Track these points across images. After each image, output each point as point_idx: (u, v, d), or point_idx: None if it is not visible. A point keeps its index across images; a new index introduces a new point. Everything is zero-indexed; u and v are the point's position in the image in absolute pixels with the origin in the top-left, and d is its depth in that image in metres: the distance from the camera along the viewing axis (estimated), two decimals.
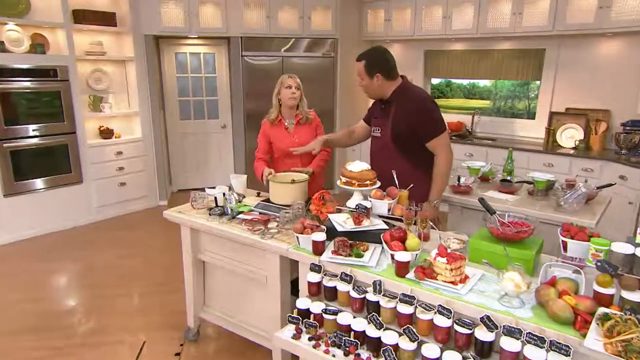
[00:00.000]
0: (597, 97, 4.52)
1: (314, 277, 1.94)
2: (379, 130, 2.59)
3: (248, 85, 5.52)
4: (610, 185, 2.70)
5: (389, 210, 2.16)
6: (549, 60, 4.77)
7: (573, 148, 4.47)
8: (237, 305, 2.60)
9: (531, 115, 5.28)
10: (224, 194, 2.62)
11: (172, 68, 5.82)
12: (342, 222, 2.12)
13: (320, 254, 1.99)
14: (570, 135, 4.56)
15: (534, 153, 4.45)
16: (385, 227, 2.08)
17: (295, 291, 2.47)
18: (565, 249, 1.68)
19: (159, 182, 5.50)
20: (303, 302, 1.90)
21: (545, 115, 4.87)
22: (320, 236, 1.99)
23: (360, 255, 1.93)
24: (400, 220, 2.20)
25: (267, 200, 2.62)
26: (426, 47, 5.64)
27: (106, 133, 4.99)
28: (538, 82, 5.13)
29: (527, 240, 1.86)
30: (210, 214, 2.51)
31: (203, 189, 2.72)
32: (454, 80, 5.99)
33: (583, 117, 4.52)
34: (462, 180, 3.01)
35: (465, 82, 5.92)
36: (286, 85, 2.84)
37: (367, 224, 2.08)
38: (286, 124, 2.92)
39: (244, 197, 2.78)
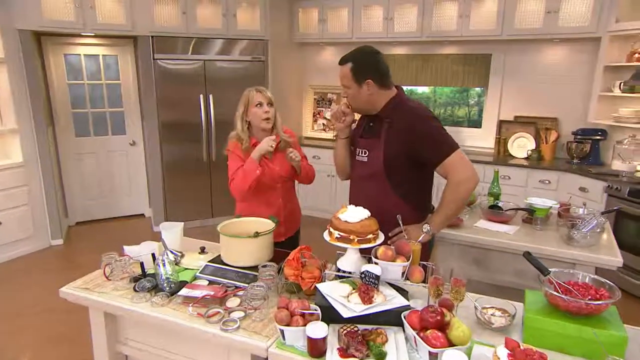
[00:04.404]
0: (544, 104, 4.40)
1: None
2: (365, 153, 2.00)
3: (162, 94, 4.60)
4: (613, 210, 2.41)
5: (403, 274, 1.57)
6: (495, 66, 4.57)
7: (525, 158, 4.30)
8: None
9: (472, 123, 5.09)
10: (153, 256, 1.84)
11: (61, 73, 4.68)
12: (342, 298, 1.48)
13: (321, 356, 1.34)
14: (521, 145, 4.39)
15: (488, 165, 4.19)
16: (406, 302, 1.49)
17: None
18: None
19: (50, 216, 4.35)
20: None
21: (492, 124, 4.68)
22: (320, 330, 1.34)
23: (383, 356, 1.31)
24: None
25: (218, 260, 1.88)
26: None
27: None
28: (478, 89, 4.95)
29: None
30: (135, 289, 1.72)
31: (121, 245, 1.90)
32: None
33: (532, 126, 4.38)
34: None
35: (404, 88, 5.58)
36: (256, 103, 2.20)
37: (379, 301, 1.47)
38: None
39: (182, 255, 2.00)
